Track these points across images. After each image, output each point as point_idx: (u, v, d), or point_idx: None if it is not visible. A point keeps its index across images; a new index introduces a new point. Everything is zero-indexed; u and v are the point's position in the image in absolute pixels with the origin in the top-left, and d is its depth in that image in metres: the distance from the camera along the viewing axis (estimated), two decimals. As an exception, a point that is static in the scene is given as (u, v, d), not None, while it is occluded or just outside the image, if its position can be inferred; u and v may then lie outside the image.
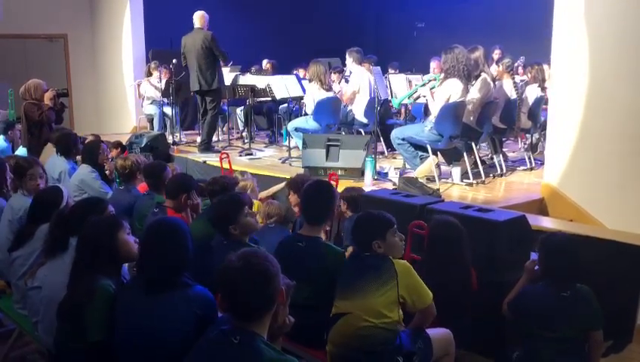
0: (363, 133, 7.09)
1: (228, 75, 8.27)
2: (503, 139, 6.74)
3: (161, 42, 10.31)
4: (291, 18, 12.34)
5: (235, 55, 9.21)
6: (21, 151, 6.22)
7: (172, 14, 9.28)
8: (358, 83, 7.07)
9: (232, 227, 3.05)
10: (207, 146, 7.47)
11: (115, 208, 3.25)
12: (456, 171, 5.66)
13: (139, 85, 9.39)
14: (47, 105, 6.00)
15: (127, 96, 10.53)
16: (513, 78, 6.48)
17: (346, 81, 7.54)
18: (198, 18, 7.28)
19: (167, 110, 9.05)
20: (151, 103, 9.32)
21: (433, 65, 8.19)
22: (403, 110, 8.27)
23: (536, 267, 2.93)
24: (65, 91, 6.71)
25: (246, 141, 8.22)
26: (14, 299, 3.32)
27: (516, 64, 8.07)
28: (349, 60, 7.16)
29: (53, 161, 5.21)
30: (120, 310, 2.32)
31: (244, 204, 3.12)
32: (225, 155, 6.04)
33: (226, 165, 5.93)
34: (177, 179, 3.97)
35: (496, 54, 8.01)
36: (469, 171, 5.61)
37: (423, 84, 5.90)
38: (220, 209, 3.19)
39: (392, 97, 7.29)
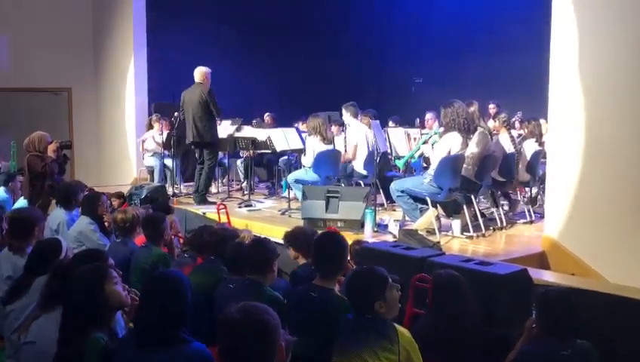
0: (362, 185, 7.13)
1: (229, 127, 8.39)
2: (500, 195, 6.73)
3: (163, 96, 10.49)
4: (292, 74, 12.59)
5: (236, 108, 9.37)
6: (22, 202, 6.21)
7: (175, 69, 9.48)
8: (356, 137, 7.17)
9: (271, 267, 3.20)
10: (203, 197, 7.51)
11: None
12: (456, 224, 5.64)
13: (143, 142, 9.48)
14: (51, 158, 6.02)
15: (128, 148, 10.63)
16: (509, 132, 6.55)
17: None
18: (198, 73, 7.48)
19: (168, 162, 9.11)
20: (152, 155, 9.40)
21: (428, 116, 8.32)
22: (401, 162, 8.33)
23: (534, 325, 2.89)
24: (68, 143, 6.75)
25: (246, 192, 8.25)
26: (7, 354, 3.24)
27: (513, 119, 8.20)
28: (345, 115, 7.31)
29: (53, 213, 5.21)
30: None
31: (276, 253, 3.30)
32: (222, 207, 6.04)
33: (223, 217, 5.92)
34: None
35: (491, 109, 8.14)
36: (469, 224, 5.60)
37: (424, 142, 5.97)
38: (264, 252, 3.27)
39: (390, 150, 7.37)
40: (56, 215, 5.20)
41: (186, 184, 9.34)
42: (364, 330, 2.60)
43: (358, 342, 2.58)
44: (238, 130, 8.32)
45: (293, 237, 4.11)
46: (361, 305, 2.66)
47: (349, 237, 4.83)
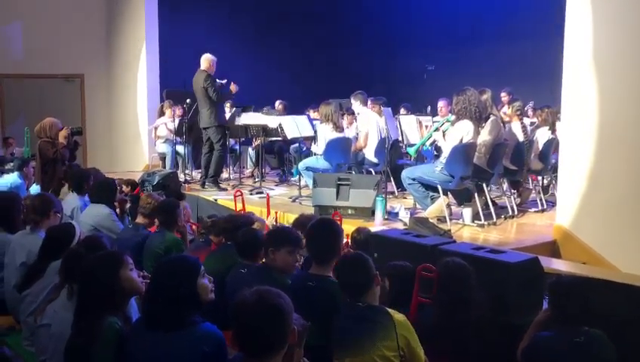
0: (373, 173, 7.12)
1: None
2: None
3: (174, 83, 10.50)
4: (304, 61, 12.56)
5: (248, 95, 9.38)
6: (34, 188, 6.28)
7: (186, 56, 9.48)
8: (366, 125, 7.16)
9: (270, 250, 3.13)
10: (214, 181, 7.73)
11: (124, 247, 3.26)
12: (467, 212, 5.64)
13: (156, 129, 9.52)
14: (62, 144, 6.07)
15: (140, 134, 10.68)
16: (522, 121, 6.50)
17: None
18: (203, 60, 7.69)
19: (180, 148, 9.15)
20: (164, 142, 9.44)
21: (441, 104, 8.29)
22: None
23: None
24: (79, 129, 6.79)
25: (257, 180, 8.27)
26: (23, 336, 3.31)
27: (526, 108, 8.13)
28: (355, 104, 7.35)
29: (66, 199, 5.26)
30: (127, 349, 2.30)
31: (292, 242, 3.20)
32: (239, 193, 6.08)
33: (239, 204, 5.96)
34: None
35: (504, 97, 8.07)
36: (480, 212, 5.59)
37: (436, 129, 5.94)
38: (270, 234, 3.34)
39: (402, 137, 7.35)
40: (70, 201, 5.25)
41: (198, 170, 9.38)
42: (360, 320, 2.59)
43: (354, 332, 2.56)
44: (237, 114, 8.47)
45: (300, 224, 4.12)
46: (358, 289, 2.68)
47: (359, 225, 4.85)
